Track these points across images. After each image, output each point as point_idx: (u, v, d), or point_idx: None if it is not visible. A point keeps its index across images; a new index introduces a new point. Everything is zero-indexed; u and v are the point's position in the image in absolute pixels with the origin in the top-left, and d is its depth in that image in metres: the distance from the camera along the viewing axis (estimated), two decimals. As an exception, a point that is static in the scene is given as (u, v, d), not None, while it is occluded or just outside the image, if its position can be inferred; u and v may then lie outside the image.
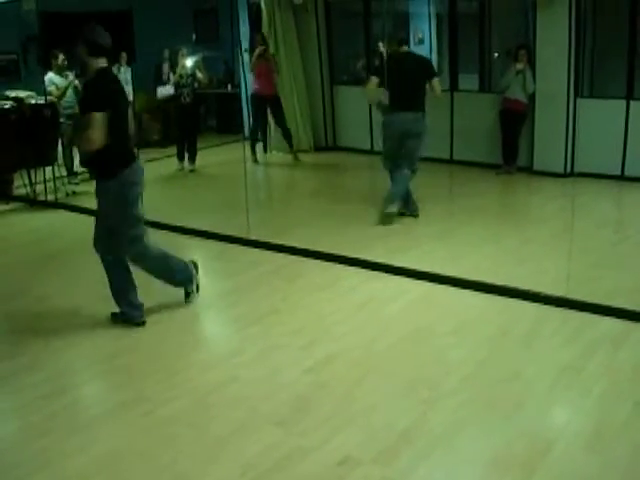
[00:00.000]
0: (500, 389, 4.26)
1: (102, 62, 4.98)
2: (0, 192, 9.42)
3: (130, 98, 11.62)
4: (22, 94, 9.62)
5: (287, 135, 11.58)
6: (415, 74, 7.67)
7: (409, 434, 3.81)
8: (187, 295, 5.75)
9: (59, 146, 9.91)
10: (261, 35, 11.35)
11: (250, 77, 11.46)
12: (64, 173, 9.96)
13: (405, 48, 7.95)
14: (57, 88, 9.98)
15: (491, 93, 10.49)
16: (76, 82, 10.11)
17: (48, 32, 10.89)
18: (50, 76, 10.06)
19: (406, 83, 7.63)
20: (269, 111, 11.55)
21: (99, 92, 4.90)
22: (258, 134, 11.65)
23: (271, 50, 11.51)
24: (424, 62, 8.02)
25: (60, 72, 10.10)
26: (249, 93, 11.69)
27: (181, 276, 5.67)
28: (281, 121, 11.54)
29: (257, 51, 11.15)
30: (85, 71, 5.06)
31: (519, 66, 9.57)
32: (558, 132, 9.47)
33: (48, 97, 9.71)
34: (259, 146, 11.94)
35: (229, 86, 14.38)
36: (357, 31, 12.25)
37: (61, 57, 10.12)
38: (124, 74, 11.31)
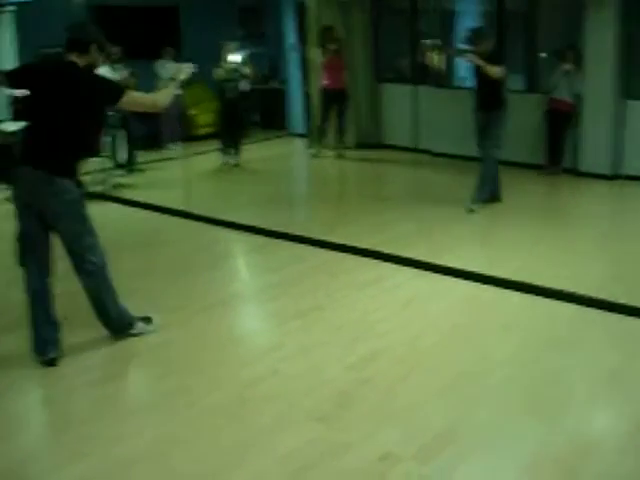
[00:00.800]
0: (542, 391, 4.23)
1: (66, 56, 4.70)
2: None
3: (177, 91, 11.76)
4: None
5: (341, 130, 11.61)
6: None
7: (450, 432, 3.80)
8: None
9: (107, 138, 10.02)
10: (332, 31, 11.34)
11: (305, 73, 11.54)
12: (110, 165, 10.05)
13: None
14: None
15: (537, 93, 10.39)
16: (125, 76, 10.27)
17: (98, 25, 11.02)
18: (105, 69, 10.19)
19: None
20: (334, 106, 11.55)
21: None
22: (326, 127, 11.65)
23: (316, 46, 11.55)
24: None
25: (113, 65, 10.25)
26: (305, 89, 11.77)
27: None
28: (342, 115, 11.57)
29: (331, 47, 11.14)
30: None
31: (567, 66, 9.49)
32: (605, 133, 9.39)
33: None
34: (308, 140, 12.03)
35: (274, 82, 14.42)
36: (403, 28, 12.21)
37: (114, 50, 10.27)
38: (170, 69, 11.38)
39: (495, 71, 7.69)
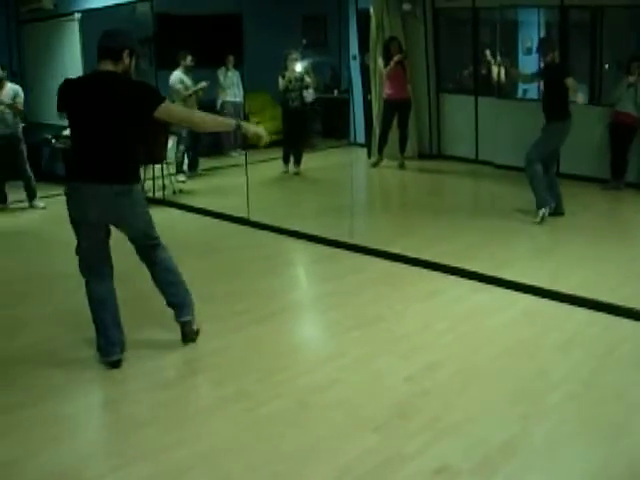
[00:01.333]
0: (603, 409, 4.17)
1: (100, 65, 4.67)
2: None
3: (238, 99, 11.88)
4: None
5: (403, 140, 11.60)
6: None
7: (508, 448, 3.77)
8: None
9: (171, 144, 10.19)
10: (397, 42, 11.35)
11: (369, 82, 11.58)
12: (172, 171, 10.17)
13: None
14: (186, 88, 10.31)
15: (601, 106, 10.27)
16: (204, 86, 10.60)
17: (163, 33, 11.16)
18: (179, 75, 10.43)
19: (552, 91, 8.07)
20: (397, 115, 11.55)
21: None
22: (387, 138, 11.65)
23: (378, 55, 11.56)
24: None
25: (187, 73, 10.48)
26: (364, 98, 11.79)
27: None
28: (405, 125, 11.55)
29: (395, 58, 11.15)
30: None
31: (631, 79, 9.36)
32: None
33: (174, 94, 10.20)
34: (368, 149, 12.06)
35: (336, 91, 14.45)
36: (465, 39, 12.17)
37: (189, 58, 10.48)
38: (232, 77, 11.51)
39: (574, 85, 7.85)
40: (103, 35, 4.67)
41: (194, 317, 5.14)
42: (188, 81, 10.63)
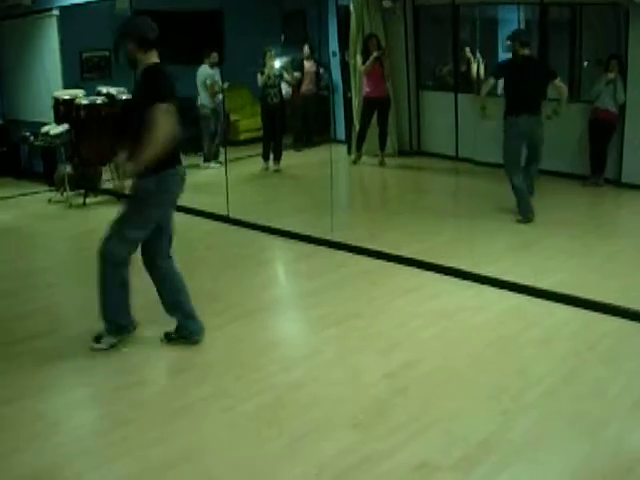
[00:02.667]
0: (583, 405, 4.18)
1: (154, 57, 4.75)
2: (89, 185, 9.62)
3: (219, 99, 11.85)
4: (113, 90, 9.81)
5: (383, 137, 11.58)
6: (537, 76, 7.86)
7: (488, 444, 3.77)
8: (96, 338, 5.03)
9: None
10: (376, 39, 11.34)
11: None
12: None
13: (527, 51, 7.94)
14: (213, 83, 10.75)
15: (580, 102, 10.30)
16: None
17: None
18: (208, 70, 10.59)
19: (533, 85, 7.81)
20: (376, 113, 11.54)
21: (153, 79, 4.68)
22: (366, 135, 11.63)
23: (358, 52, 11.55)
24: (544, 65, 8.23)
25: (212, 68, 10.72)
26: (343, 95, 11.79)
27: (110, 315, 5.00)
28: (384, 122, 11.53)
29: (374, 54, 11.14)
30: (135, 67, 4.79)
31: (610, 76, 9.37)
32: (648, 145, 9.27)
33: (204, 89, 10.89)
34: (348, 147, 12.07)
35: (316, 88, 14.39)
36: (445, 36, 12.17)
37: (214, 55, 10.61)
38: (213, 75, 11.45)
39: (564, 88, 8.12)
40: (147, 25, 4.79)
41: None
42: (217, 76, 10.80)
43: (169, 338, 5.10)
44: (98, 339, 4.99)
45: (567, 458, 3.64)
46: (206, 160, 11.51)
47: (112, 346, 4.98)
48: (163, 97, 4.53)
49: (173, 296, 5.06)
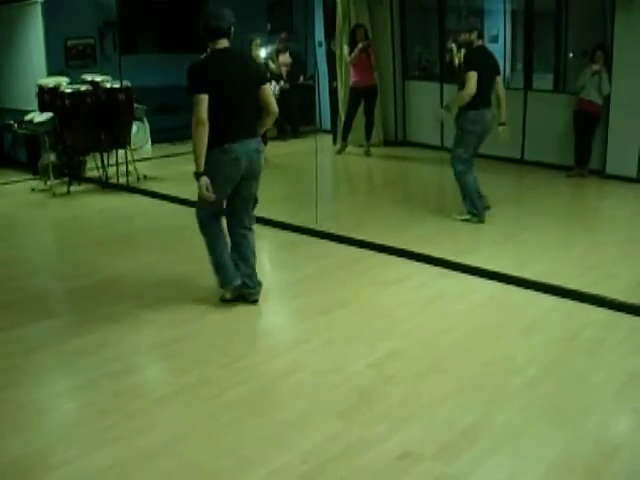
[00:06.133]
0: (566, 393, 4.22)
1: (218, 44, 5.15)
2: (73, 173, 9.57)
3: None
4: (98, 78, 9.76)
5: (369, 127, 11.61)
6: (494, 69, 7.59)
7: (472, 432, 3.79)
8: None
9: (135, 129, 10.12)
10: (363, 29, 11.31)
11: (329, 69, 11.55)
12: (136, 156, 10.07)
13: (480, 42, 7.47)
14: None
15: (565, 93, 10.35)
16: None
17: (127, 18, 11.07)
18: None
19: (489, 78, 7.45)
20: (362, 102, 11.52)
21: (188, 74, 5.08)
22: (352, 125, 11.61)
23: (344, 42, 11.54)
24: (495, 57, 7.71)
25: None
26: (329, 85, 11.76)
27: (221, 274, 5.53)
28: (371, 112, 11.56)
29: (360, 45, 11.11)
30: None
31: (595, 67, 9.41)
32: (633, 136, 9.30)
33: None
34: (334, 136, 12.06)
35: (301, 77, 14.38)
36: (431, 26, 12.18)
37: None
38: None
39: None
40: (210, 17, 5.12)
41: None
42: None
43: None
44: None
45: (549, 446, 3.67)
46: None
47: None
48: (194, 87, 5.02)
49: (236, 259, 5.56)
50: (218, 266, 5.50)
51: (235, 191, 5.36)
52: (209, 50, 5.21)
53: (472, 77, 7.13)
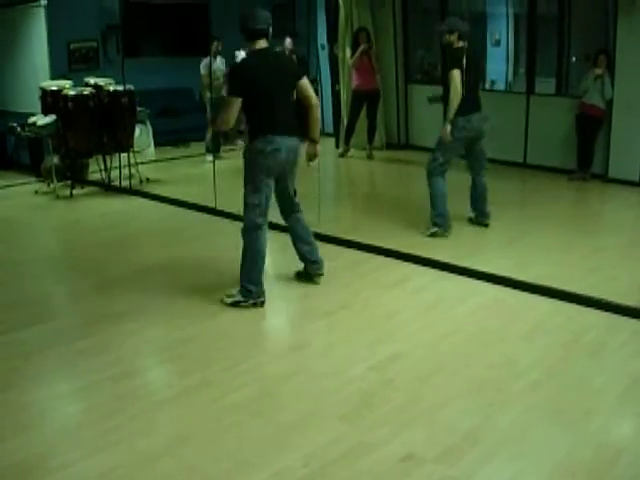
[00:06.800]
0: (568, 396, 4.21)
1: (257, 44, 5.36)
2: (76, 176, 9.58)
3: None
4: (101, 81, 9.77)
5: (372, 130, 11.60)
6: (480, 71, 7.47)
7: (474, 435, 3.79)
8: (235, 303, 5.60)
9: (138, 132, 10.12)
10: (366, 32, 11.32)
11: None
12: (139, 159, 10.07)
13: (462, 43, 7.04)
14: (209, 74, 10.69)
15: (568, 97, 10.34)
16: None
17: (130, 21, 11.08)
18: (205, 61, 10.86)
19: (475, 80, 7.22)
20: (365, 106, 11.51)
21: (229, 76, 5.59)
22: (355, 128, 11.60)
23: (347, 45, 11.55)
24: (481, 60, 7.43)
25: (215, 58, 10.84)
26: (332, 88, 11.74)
27: (247, 282, 5.57)
28: (373, 116, 11.55)
29: (361, 48, 11.12)
30: None
31: (598, 71, 9.40)
32: (635, 139, 9.29)
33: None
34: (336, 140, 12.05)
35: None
36: (433, 30, 12.16)
37: (215, 44, 11.01)
38: (220, 64, 11.29)
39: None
40: (248, 19, 5.32)
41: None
42: (215, 65, 10.70)
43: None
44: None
45: (552, 450, 3.66)
46: (208, 151, 11.26)
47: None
48: (232, 90, 5.36)
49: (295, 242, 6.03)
50: (253, 281, 5.58)
51: (277, 184, 5.66)
52: (248, 51, 5.48)
53: (455, 76, 6.81)
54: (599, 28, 10.81)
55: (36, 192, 9.34)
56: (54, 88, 9.40)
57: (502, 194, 8.56)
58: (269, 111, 5.37)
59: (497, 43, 12.60)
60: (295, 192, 5.85)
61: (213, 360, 4.69)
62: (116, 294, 5.87)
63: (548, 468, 3.52)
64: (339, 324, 5.27)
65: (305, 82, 5.59)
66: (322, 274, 6.01)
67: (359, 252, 6.80)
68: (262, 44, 5.37)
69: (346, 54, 11.58)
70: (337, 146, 12.14)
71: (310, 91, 5.63)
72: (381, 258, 6.64)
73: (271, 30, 5.39)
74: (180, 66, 12.03)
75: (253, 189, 5.47)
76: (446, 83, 6.99)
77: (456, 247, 6.84)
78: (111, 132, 9.53)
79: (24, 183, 9.91)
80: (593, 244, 7.11)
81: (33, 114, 9.48)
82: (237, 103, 5.25)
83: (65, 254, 7.18)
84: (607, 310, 5.39)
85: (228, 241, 7.24)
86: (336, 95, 12.63)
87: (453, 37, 7.01)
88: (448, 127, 6.94)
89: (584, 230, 7.73)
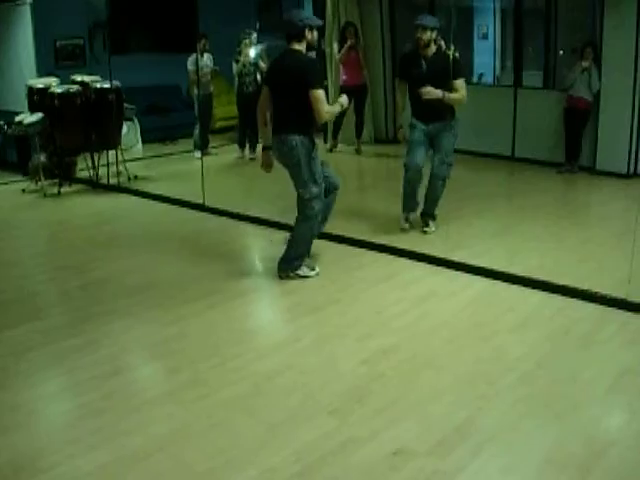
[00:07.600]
0: (558, 389, 4.22)
1: (290, 45, 5.81)
2: (64, 174, 9.55)
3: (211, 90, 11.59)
4: (87, 78, 9.74)
5: (360, 125, 11.58)
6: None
7: (465, 428, 3.80)
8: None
9: (125, 130, 10.11)
10: (353, 27, 11.30)
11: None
12: (127, 157, 10.04)
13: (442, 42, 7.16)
14: (196, 70, 10.54)
15: (555, 90, 10.35)
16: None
17: (117, 18, 11.04)
18: (191, 58, 10.72)
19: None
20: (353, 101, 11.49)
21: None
22: (342, 123, 11.58)
23: (334, 40, 11.54)
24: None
25: (202, 55, 10.77)
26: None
27: (298, 261, 6.05)
28: (361, 111, 11.52)
29: (348, 43, 11.12)
30: None
31: (585, 64, 9.42)
32: (622, 132, 9.31)
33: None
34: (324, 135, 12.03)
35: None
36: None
37: (202, 41, 10.80)
38: (207, 61, 11.23)
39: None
40: (285, 22, 5.85)
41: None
42: (202, 62, 10.62)
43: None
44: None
45: (542, 442, 3.68)
46: (196, 148, 11.14)
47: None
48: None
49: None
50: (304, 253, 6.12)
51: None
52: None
53: (464, 85, 7.08)
54: (586, 21, 10.83)
55: (24, 191, 9.31)
56: (41, 86, 9.37)
57: (491, 187, 8.61)
58: (274, 109, 5.94)
59: (484, 36, 12.59)
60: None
61: (203, 357, 4.68)
62: (105, 292, 5.86)
63: (538, 459, 3.53)
64: (329, 319, 5.27)
65: (314, 94, 5.69)
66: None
67: (348, 247, 6.81)
68: (293, 45, 5.77)
69: (333, 49, 11.57)
70: (325, 141, 12.12)
71: (318, 105, 5.73)
72: (371, 253, 6.64)
73: (306, 32, 5.74)
74: (167, 63, 11.96)
75: (314, 181, 5.91)
76: (442, 85, 6.96)
77: (445, 240, 6.84)
78: (99, 129, 9.50)
79: (11, 182, 9.87)
80: (582, 236, 7.13)
81: (20, 112, 9.44)
82: (265, 90, 6.04)
83: (53, 252, 7.14)
84: (596, 302, 5.41)
85: (217, 238, 7.25)
86: (324, 90, 12.59)
87: (434, 35, 7.03)
88: (446, 93, 6.95)
89: (572, 222, 7.75)
